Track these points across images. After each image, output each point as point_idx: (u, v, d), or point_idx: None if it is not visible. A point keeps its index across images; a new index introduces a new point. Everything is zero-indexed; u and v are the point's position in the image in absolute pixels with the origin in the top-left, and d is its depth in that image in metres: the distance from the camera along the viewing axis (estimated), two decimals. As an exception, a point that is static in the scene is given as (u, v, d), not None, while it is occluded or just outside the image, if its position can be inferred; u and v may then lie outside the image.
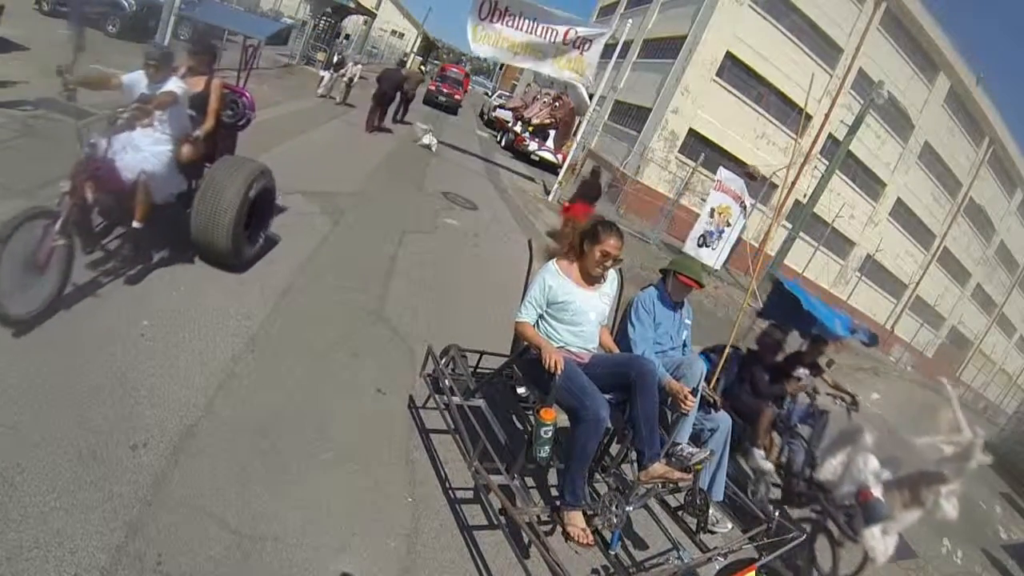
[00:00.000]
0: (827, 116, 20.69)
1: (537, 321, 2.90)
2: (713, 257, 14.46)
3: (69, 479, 2.24)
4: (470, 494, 3.14)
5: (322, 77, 14.79)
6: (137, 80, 3.69)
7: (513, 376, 3.24)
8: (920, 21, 21.02)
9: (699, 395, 3.06)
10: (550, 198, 13.54)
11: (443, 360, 3.47)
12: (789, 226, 15.96)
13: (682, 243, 14.67)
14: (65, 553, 1.98)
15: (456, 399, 3.11)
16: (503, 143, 20.68)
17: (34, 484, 2.16)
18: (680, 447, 2.83)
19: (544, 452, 2.63)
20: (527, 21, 11.75)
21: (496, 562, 2.79)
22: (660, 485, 2.76)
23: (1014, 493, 10.57)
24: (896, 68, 21.14)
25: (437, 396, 3.28)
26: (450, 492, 3.10)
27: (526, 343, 2.81)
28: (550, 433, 2.61)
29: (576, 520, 2.57)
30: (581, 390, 2.62)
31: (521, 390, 3.41)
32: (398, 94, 13.63)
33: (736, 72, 19.61)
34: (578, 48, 11.99)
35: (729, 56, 19.22)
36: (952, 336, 30.24)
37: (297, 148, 8.90)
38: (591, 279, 2.94)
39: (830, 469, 4.11)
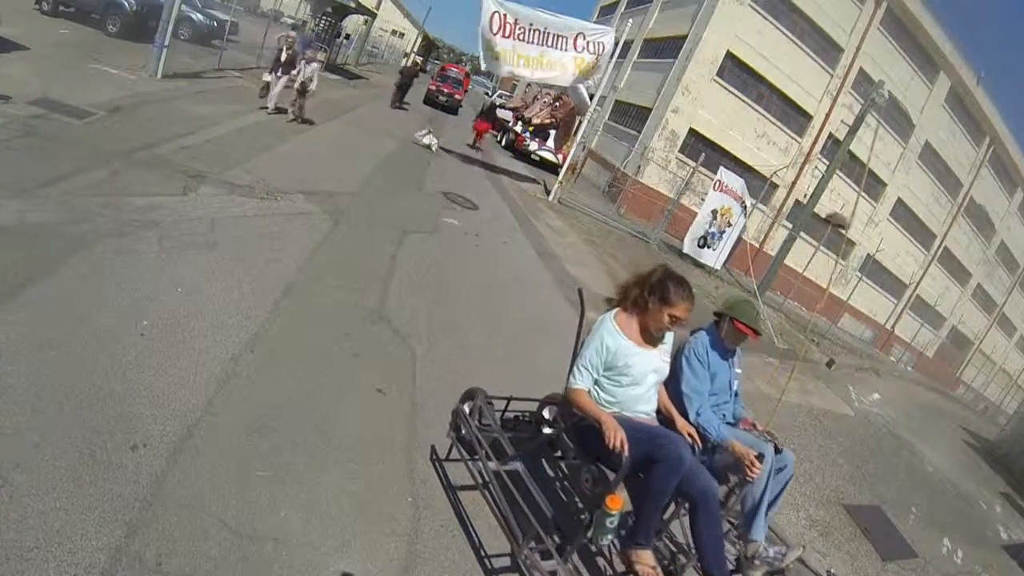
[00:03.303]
0: (827, 116, 20.69)
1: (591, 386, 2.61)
2: (714, 257, 14.50)
3: (69, 479, 2.24)
4: (472, 496, 3.14)
5: (266, 83, 10.60)
6: None
7: (542, 424, 3.02)
8: (920, 21, 21.02)
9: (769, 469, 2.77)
10: (550, 198, 13.54)
11: (467, 408, 3.15)
12: (790, 226, 15.94)
13: (683, 243, 14.71)
14: (65, 553, 1.98)
15: (492, 465, 2.75)
16: (503, 143, 20.68)
17: (34, 484, 2.16)
18: (762, 547, 2.56)
19: (606, 540, 2.34)
20: (538, 32, 11.64)
21: (497, 562, 2.79)
22: None
23: (1014, 493, 10.57)
24: (896, 68, 21.14)
25: (471, 463, 2.96)
26: (450, 492, 3.09)
27: (579, 412, 2.51)
28: (615, 523, 2.32)
29: (646, 559, 2.40)
30: (651, 434, 2.42)
31: (547, 430, 3.14)
32: (412, 81, 19.02)
33: (736, 72, 19.60)
34: (593, 53, 12.01)
35: (729, 56, 19.21)
36: (952, 336, 30.25)
37: (297, 148, 8.90)
38: (651, 337, 2.61)
39: None
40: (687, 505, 2.56)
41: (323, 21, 21.45)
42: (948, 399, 22.05)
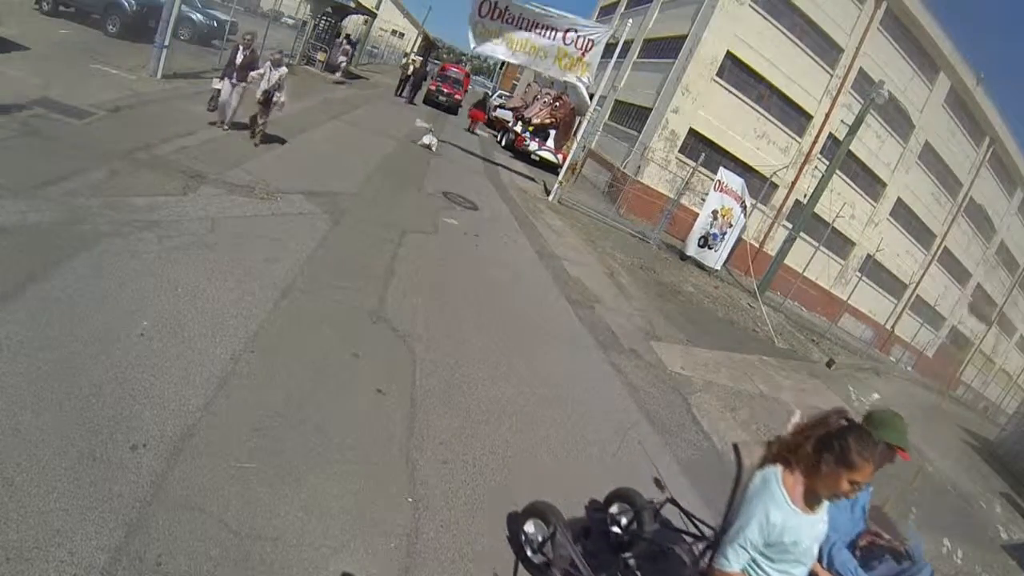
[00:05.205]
0: (827, 116, 20.68)
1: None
2: (714, 258, 14.51)
3: (69, 479, 2.24)
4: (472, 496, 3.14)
5: (216, 91, 8.39)
6: None
7: (622, 533, 2.84)
8: (920, 21, 21.01)
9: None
10: (550, 198, 13.54)
11: (532, 529, 2.81)
12: (790, 226, 15.94)
13: (682, 243, 14.71)
14: (65, 553, 1.98)
15: None
16: (503, 143, 20.68)
17: (34, 484, 2.17)
18: None
19: None
20: (527, 22, 12.04)
21: (497, 562, 2.79)
22: None
23: (1014, 493, 10.57)
24: (896, 68, 21.14)
25: None
26: (450, 492, 3.09)
27: None
28: None
29: None
30: None
31: (616, 529, 2.89)
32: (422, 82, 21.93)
33: (736, 72, 19.59)
34: (579, 48, 12.10)
35: (729, 56, 19.21)
36: (952, 336, 30.23)
37: (297, 148, 8.90)
38: (816, 500, 2.10)
39: None
40: None
41: (323, 21, 21.45)
42: (948, 399, 22.05)
